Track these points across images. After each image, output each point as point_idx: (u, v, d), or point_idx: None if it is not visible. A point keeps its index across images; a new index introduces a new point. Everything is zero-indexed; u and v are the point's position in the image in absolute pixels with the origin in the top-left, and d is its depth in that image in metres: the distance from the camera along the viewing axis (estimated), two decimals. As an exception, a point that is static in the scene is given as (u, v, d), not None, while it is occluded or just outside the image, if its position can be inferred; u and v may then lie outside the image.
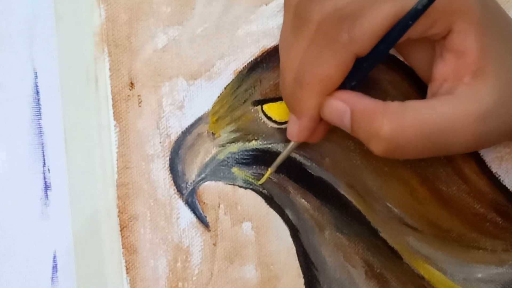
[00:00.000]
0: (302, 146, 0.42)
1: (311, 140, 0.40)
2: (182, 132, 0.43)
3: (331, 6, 0.36)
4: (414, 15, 0.35)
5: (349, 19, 0.35)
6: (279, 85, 0.39)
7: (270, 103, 0.42)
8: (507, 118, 0.36)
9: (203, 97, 0.43)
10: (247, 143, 0.42)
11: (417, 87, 0.42)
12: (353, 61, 0.36)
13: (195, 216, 0.42)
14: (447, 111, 0.35)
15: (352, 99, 0.37)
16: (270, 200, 0.42)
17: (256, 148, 0.42)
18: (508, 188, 0.43)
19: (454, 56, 0.36)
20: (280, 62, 0.39)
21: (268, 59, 0.43)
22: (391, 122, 0.35)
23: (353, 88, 0.38)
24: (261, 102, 0.42)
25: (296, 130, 0.39)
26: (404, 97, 0.42)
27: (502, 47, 0.36)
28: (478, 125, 0.35)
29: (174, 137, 0.43)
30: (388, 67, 0.42)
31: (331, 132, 0.42)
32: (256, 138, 0.43)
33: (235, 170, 0.42)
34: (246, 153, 0.42)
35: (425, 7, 0.35)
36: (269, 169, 0.41)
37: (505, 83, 0.36)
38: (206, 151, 0.42)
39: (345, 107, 0.37)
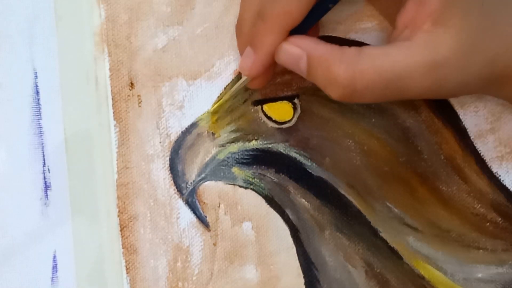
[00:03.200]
0: (302, 146, 0.42)
1: (256, 82, 0.40)
2: (182, 132, 0.43)
3: None
4: None
5: None
6: (237, 18, 0.40)
7: (270, 103, 0.42)
8: (467, 69, 0.36)
9: (203, 97, 0.43)
10: (247, 143, 0.42)
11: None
12: None
13: (195, 216, 0.42)
14: (402, 57, 0.36)
15: (309, 44, 0.37)
16: (270, 200, 0.42)
17: (256, 148, 0.42)
18: (508, 188, 0.43)
19: (416, 4, 0.37)
20: None
21: (268, 59, 0.43)
22: (347, 68, 0.36)
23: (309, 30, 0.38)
24: (261, 102, 0.42)
25: (250, 64, 0.39)
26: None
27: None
28: (433, 72, 0.36)
29: (174, 137, 0.43)
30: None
31: (331, 132, 0.42)
32: (256, 138, 0.42)
33: (235, 170, 0.42)
34: (246, 153, 0.42)
35: None
36: (217, 103, 0.42)
37: (469, 34, 0.36)
38: (206, 151, 0.42)
39: (301, 52, 0.37)
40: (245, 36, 0.40)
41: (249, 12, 0.39)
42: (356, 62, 0.36)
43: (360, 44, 0.43)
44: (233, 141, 0.42)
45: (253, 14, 0.38)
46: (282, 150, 0.42)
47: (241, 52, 0.40)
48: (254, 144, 0.42)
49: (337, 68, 0.36)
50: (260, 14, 0.38)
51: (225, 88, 0.43)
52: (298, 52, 0.37)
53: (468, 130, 0.43)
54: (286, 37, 0.38)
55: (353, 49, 0.36)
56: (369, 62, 0.36)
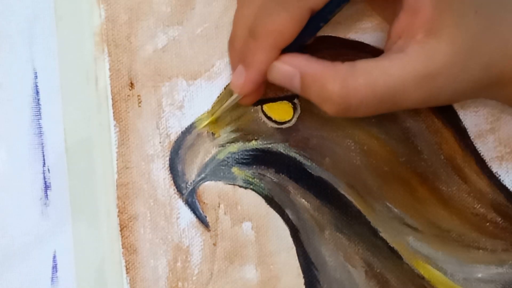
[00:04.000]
0: (302, 146, 0.42)
1: (248, 99, 0.40)
2: (182, 132, 0.43)
3: None
4: None
5: None
6: (230, 34, 0.40)
7: (270, 103, 0.42)
8: (462, 77, 0.36)
9: (203, 97, 0.43)
10: (247, 143, 0.42)
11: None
12: (308, 16, 0.37)
13: (195, 216, 0.42)
14: (396, 70, 0.36)
15: (301, 62, 0.37)
16: (270, 200, 0.42)
17: (256, 148, 0.42)
18: (508, 188, 0.43)
19: (409, 14, 0.36)
20: (235, 12, 0.40)
21: (268, 59, 0.43)
22: (341, 85, 0.36)
23: (304, 48, 0.38)
24: (261, 102, 0.42)
25: (242, 82, 0.39)
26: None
27: (464, 4, 0.36)
28: (427, 83, 0.35)
29: (174, 137, 0.43)
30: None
31: (331, 132, 0.42)
32: (256, 138, 0.42)
33: (235, 170, 0.42)
34: (246, 153, 0.42)
35: None
36: (213, 115, 0.42)
37: (462, 42, 0.36)
38: (206, 151, 0.42)
39: (294, 71, 0.37)
40: (237, 53, 0.39)
41: (241, 28, 0.39)
42: (349, 79, 0.36)
43: (360, 44, 0.43)
44: (233, 141, 0.42)
45: (245, 31, 0.38)
46: (282, 150, 0.42)
47: (233, 68, 0.40)
48: (254, 144, 0.42)
49: (331, 86, 0.36)
50: (251, 32, 0.38)
51: (225, 88, 0.43)
52: (291, 70, 0.37)
53: (468, 130, 0.43)
54: (279, 55, 0.38)
55: (346, 65, 0.36)
56: (362, 78, 0.35)
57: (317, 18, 0.38)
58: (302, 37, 0.38)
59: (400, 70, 0.35)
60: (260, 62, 0.38)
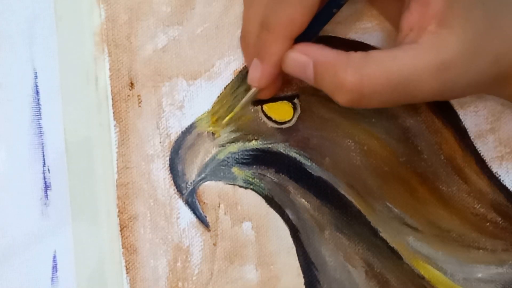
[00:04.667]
0: (302, 146, 0.42)
1: (267, 92, 0.40)
2: (182, 132, 0.43)
3: None
4: None
5: None
6: (241, 30, 0.40)
7: (270, 103, 0.42)
8: (474, 68, 0.36)
9: (203, 97, 0.43)
10: (247, 143, 0.42)
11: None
12: (318, 3, 0.37)
13: (195, 216, 0.42)
14: (409, 60, 0.36)
15: (314, 51, 0.37)
16: (270, 200, 0.42)
17: (256, 148, 0.42)
18: (508, 188, 0.43)
19: (420, 6, 0.36)
20: (244, 8, 0.40)
21: (268, 59, 0.43)
22: (354, 73, 0.35)
23: (315, 38, 0.38)
24: (261, 102, 0.42)
25: (258, 75, 0.39)
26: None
27: (471, 0, 0.36)
28: (441, 73, 0.35)
29: (174, 137, 0.43)
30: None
31: (331, 132, 0.42)
32: (256, 138, 0.42)
33: (235, 170, 0.42)
34: (246, 153, 0.42)
35: None
36: (233, 111, 0.42)
37: (473, 34, 0.36)
38: (206, 151, 0.42)
39: (307, 60, 0.37)
40: (251, 48, 0.39)
41: (252, 23, 0.39)
42: (363, 67, 0.36)
43: (360, 44, 0.43)
44: (233, 141, 0.42)
45: (257, 25, 0.38)
46: (282, 150, 0.42)
47: (248, 64, 0.40)
48: (254, 144, 0.42)
49: (344, 73, 0.36)
50: (264, 25, 0.38)
51: (225, 88, 0.43)
52: (304, 59, 0.37)
53: (468, 130, 0.43)
54: (292, 45, 0.38)
55: (359, 53, 0.36)
56: (376, 66, 0.36)
57: (330, 5, 0.38)
58: (315, 25, 0.38)
59: (414, 59, 0.36)
60: (275, 54, 0.38)
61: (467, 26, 0.36)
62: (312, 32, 0.38)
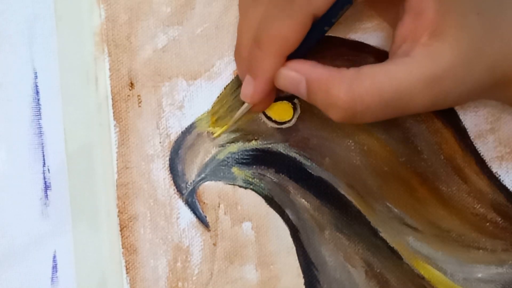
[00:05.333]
0: (302, 146, 0.42)
1: (260, 106, 0.40)
2: (182, 132, 0.43)
3: None
4: None
5: None
6: (236, 44, 0.40)
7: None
8: (468, 78, 0.36)
9: (203, 97, 0.43)
10: (247, 143, 0.42)
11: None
12: (311, 21, 0.37)
13: (195, 216, 0.42)
14: (402, 74, 0.35)
15: (307, 68, 0.37)
16: (270, 200, 0.42)
17: (256, 148, 0.42)
18: (508, 188, 0.43)
19: (412, 17, 0.36)
20: (239, 21, 0.40)
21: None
22: (347, 91, 0.35)
23: (308, 54, 0.38)
24: (261, 102, 0.42)
25: (251, 92, 0.39)
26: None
27: (465, 6, 0.36)
28: (434, 86, 0.35)
29: (174, 137, 0.43)
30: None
31: (331, 132, 0.42)
32: (256, 138, 0.42)
33: (235, 170, 0.42)
34: (246, 153, 0.42)
35: None
36: (226, 125, 0.42)
37: (468, 42, 0.35)
38: (206, 151, 0.42)
39: (300, 77, 0.37)
40: (244, 62, 0.39)
41: (246, 36, 0.39)
42: (355, 84, 0.35)
43: (360, 44, 0.43)
44: (233, 141, 0.42)
45: (250, 39, 0.38)
46: (282, 150, 0.42)
47: (242, 77, 0.40)
48: (254, 144, 0.42)
49: (337, 91, 0.36)
50: (256, 40, 0.38)
51: (225, 88, 0.43)
52: (297, 76, 0.37)
53: (468, 130, 0.43)
54: (284, 62, 0.38)
55: (351, 70, 0.36)
56: (368, 83, 0.35)
57: (321, 23, 0.38)
58: (307, 42, 0.38)
59: (406, 74, 0.35)
60: (267, 71, 0.38)
61: (462, 34, 0.35)
62: (304, 49, 0.38)
